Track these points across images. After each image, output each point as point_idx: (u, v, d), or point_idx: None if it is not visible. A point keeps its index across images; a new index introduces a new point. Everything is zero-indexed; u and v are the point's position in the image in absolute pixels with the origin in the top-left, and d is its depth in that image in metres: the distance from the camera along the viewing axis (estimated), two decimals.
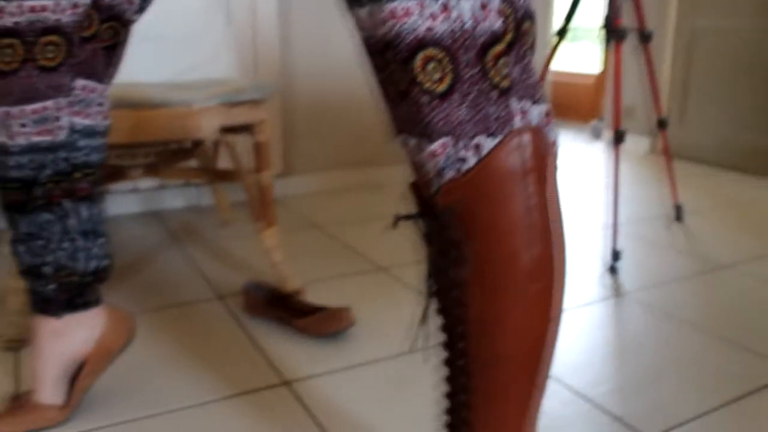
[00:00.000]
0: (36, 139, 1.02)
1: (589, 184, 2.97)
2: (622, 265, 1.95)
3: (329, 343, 1.45)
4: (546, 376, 0.75)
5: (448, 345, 0.75)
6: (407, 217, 0.71)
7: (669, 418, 1.19)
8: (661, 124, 2.26)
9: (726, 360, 1.40)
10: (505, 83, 0.64)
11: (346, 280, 1.81)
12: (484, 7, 0.62)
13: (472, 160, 0.64)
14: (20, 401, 1.14)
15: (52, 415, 1.14)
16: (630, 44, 3.65)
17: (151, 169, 1.81)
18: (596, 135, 4.16)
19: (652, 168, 3.33)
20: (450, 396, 0.77)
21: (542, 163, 0.67)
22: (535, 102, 0.66)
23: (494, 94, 0.63)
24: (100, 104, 1.09)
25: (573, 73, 4.83)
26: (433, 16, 0.61)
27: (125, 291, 1.73)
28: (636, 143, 3.74)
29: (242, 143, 2.55)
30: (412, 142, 0.67)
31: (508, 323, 0.69)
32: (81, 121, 1.06)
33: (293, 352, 1.41)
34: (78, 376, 1.16)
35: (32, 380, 1.14)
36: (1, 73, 0.97)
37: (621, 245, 2.13)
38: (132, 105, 1.47)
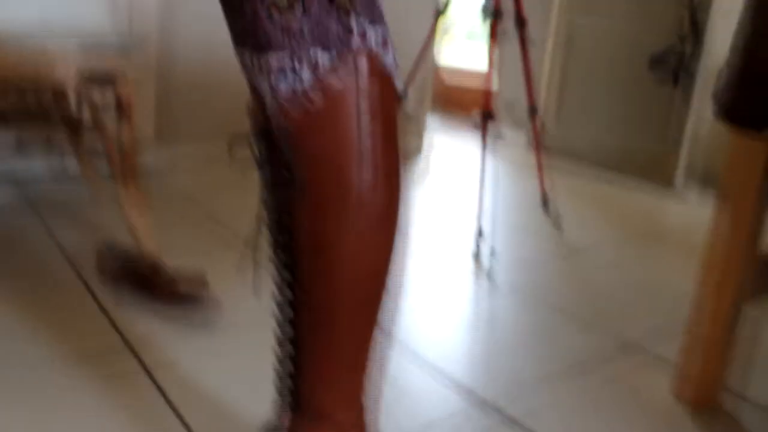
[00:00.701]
0: None
1: (466, 172, 3.04)
2: (491, 248, 2.01)
3: (186, 322, 1.40)
4: (385, 330, 0.74)
5: (283, 284, 0.73)
6: (242, 140, 0.69)
7: (511, 389, 1.23)
8: (532, 111, 2.34)
9: (570, 336, 1.47)
10: (346, 1, 0.63)
11: (212, 255, 1.76)
12: None
13: (307, 78, 0.63)
14: None
15: None
16: (515, 42, 3.77)
17: (2, 119, 1.68)
18: (477, 126, 4.27)
19: (527, 159, 3.46)
20: (283, 343, 0.76)
21: (379, 89, 0.66)
22: (372, 22, 0.65)
23: (334, 9, 0.62)
24: None
25: (462, 69, 4.95)
26: None
27: None
28: (516, 137, 3.87)
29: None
30: (249, 55, 0.65)
31: (340, 253, 0.68)
32: None
33: (143, 320, 1.35)
34: None
35: None
36: None
37: (490, 230, 2.19)
38: None
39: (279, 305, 0.75)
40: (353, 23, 0.63)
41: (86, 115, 1.92)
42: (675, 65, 3.10)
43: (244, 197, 2.26)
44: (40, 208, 1.94)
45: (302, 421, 0.76)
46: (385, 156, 0.67)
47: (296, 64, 0.62)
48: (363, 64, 0.64)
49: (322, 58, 0.62)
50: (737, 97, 0.97)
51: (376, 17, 0.66)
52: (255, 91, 0.67)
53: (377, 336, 0.74)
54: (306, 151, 0.65)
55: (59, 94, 1.87)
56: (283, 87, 0.63)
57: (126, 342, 1.24)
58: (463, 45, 5.83)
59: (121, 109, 1.56)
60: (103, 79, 1.58)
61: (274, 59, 0.63)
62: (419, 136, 3.40)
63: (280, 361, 0.77)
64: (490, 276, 1.76)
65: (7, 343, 1.19)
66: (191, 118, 2.65)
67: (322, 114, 0.64)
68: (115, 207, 2.02)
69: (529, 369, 1.30)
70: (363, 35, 0.64)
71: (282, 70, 0.63)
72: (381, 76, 0.66)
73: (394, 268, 0.72)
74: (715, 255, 1.17)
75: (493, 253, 1.94)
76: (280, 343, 0.76)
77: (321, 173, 0.65)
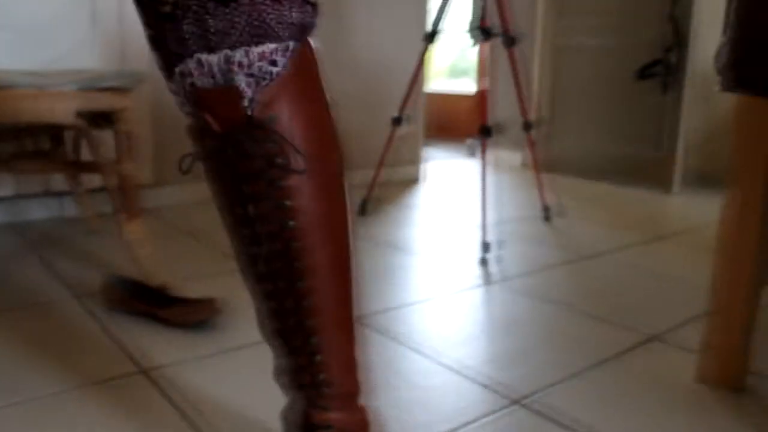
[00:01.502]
0: None
1: (465, 193, 3.05)
2: (497, 257, 2.00)
3: (192, 332, 1.39)
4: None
5: (280, 293, 0.74)
6: (198, 155, 0.70)
7: (534, 383, 1.21)
8: (527, 127, 2.36)
9: (589, 332, 1.45)
10: None
11: (217, 278, 1.75)
12: None
13: (281, 64, 0.65)
14: None
15: None
16: (506, 61, 3.81)
17: (1, 162, 1.68)
18: (471, 153, 4.30)
19: (524, 178, 3.48)
20: (300, 347, 0.76)
21: (320, 68, 0.71)
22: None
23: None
24: None
25: (451, 93, 5.00)
26: None
27: None
28: (509, 157, 3.89)
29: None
30: (219, 58, 0.63)
31: (333, 224, 0.71)
32: None
33: (153, 342, 1.33)
34: None
35: None
36: None
37: (494, 241, 2.18)
38: None
39: (282, 315, 0.74)
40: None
41: (84, 154, 1.93)
42: (663, 75, 3.15)
43: None
44: (40, 248, 1.93)
45: (336, 409, 0.77)
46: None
47: (276, 54, 0.66)
48: (316, 44, 0.70)
49: (294, 44, 0.67)
50: (744, 62, 0.98)
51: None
52: (220, 94, 0.66)
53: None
54: (295, 134, 0.67)
55: (57, 135, 1.88)
56: (263, 78, 0.65)
57: (135, 363, 1.22)
58: (449, 82, 5.89)
59: (120, 144, 1.56)
60: (103, 117, 1.59)
61: (268, 49, 0.65)
62: (416, 163, 3.41)
63: (298, 362, 0.77)
64: (501, 284, 1.74)
65: (16, 375, 1.17)
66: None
67: (301, 94, 0.68)
68: (117, 241, 2.01)
69: (551, 365, 1.28)
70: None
71: (265, 61, 0.65)
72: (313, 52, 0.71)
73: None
74: (729, 238, 1.17)
75: (500, 260, 1.93)
76: (294, 349, 0.76)
77: (312, 152, 0.68)
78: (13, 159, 1.70)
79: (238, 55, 0.63)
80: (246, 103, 0.64)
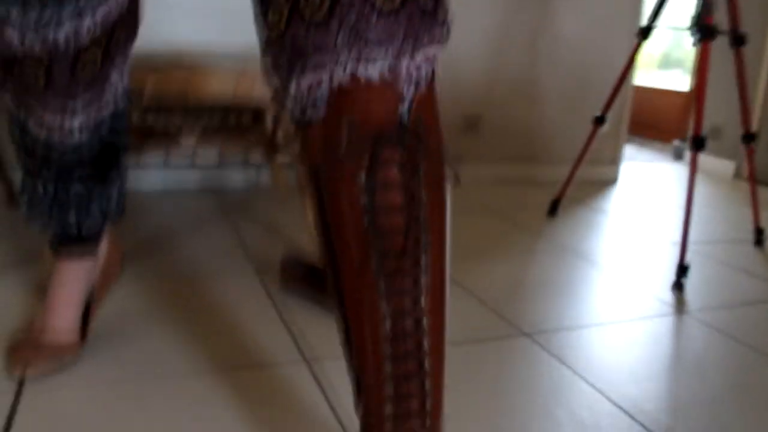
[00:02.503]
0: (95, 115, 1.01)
1: (665, 203, 2.80)
2: (689, 283, 1.80)
3: None
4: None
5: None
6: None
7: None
8: (747, 139, 2.09)
9: None
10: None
11: None
12: None
13: (427, 70, 0.65)
14: (35, 342, 1.12)
15: (72, 351, 1.13)
16: (725, 59, 3.43)
17: (205, 136, 1.79)
18: (678, 156, 3.94)
19: (735, 192, 3.12)
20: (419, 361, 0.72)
21: None
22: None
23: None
24: None
25: (661, 89, 4.62)
26: None
27: (164, 259, 1.71)
28: (721, 166, 3.52)
29: None
30: (389, 61, 0.63)
31: (441, 230, 0.70)
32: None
33: (318, 331, 1.35)
34: (88, 311, 1.17)
35: (46, 320, 1.12)
36: None
37: (691, 264, 1.97)
38: (183, 66, 1.45)
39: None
40: None
41: (280, 132, 2.01)
42: None
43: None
44: (233, 214, 2.05)
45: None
46: None
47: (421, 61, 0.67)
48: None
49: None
50: None
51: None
52: (377, 96, 0.65)
53: None
54: (430, 140, 0.67)
55: (258, 113, 1.97)
56: (421, 81, 0.66)
57: (299, 349, 1.24)
58: (660, 75, 5.44)
59: None
60: None
61: (429, 54, 0.66)
62: (614, 163, 3.20)
63: (419, 378, 0.73)
64: (691, 315, 1.56)
65: (176, 347, 1.24)
66: None
67: (437, 99, 0.68)
68: (302, 218, 2.08)
69: (741, 420, 1.11)
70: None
71: (423, 66, 0.66)
72: None
73: None
74: None
75: (692, 289, 1.74)
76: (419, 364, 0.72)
77: (439, 158, 0.68)
78: (216, 133, 1.81)
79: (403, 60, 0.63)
80: (402, 106, 0.64)
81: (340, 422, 1.04)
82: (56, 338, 1.12)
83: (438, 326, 0.71)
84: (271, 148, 1.73)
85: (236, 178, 2.50)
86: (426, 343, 0.69)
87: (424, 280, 0.68)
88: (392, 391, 0.71)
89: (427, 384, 0.71)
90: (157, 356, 1.20)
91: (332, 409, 1.07)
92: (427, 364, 0.70)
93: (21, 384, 1.07)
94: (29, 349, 1.10)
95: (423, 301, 0.68)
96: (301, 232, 1.98)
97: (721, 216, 2.62)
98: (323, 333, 1.34)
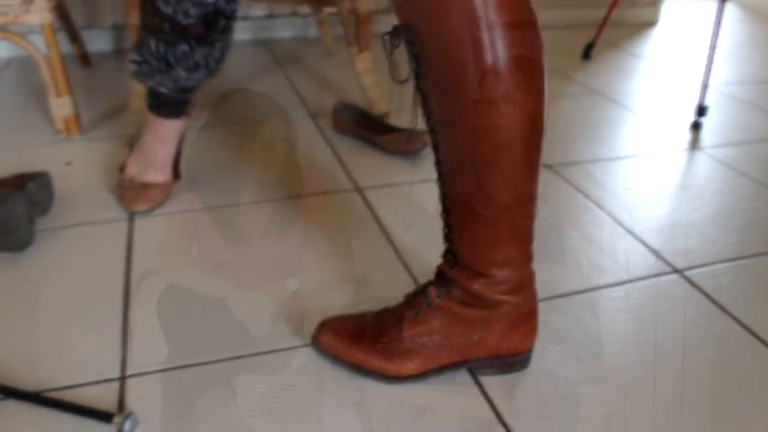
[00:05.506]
0: None
1: (704, 44, 2.84)
2: (709, 122, 1.93)
3: (402, 160, 1.60)
4: (504, 207, 0.81)
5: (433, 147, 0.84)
6: (389, 35, 0.77)
7: (699, 257, 1.27)
8: None
9: None
10: None
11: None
12: None
13: None
14: (134, 183, 1.36)
15: (168, 189, 1.38)
16: None
17: None
18: None
19: None
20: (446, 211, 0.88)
21: None
22: None
23: None
24: None
25: None
26: None
27: (227, 108, 1.92)
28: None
29: None
30: None
31: (459, 132, 0.76)
32: None
33: (368, 165, 1.57)
34: (179, 155, 1.40)
35: (144, 165, 1.36)
36: None
37: (716, 105, 2.09)
38: None
39: (437, 168, 0.85)
40: None
41: None
42: None
43: None
44: (284, 65, 2.23)
45: (462, 274, 0.88)
46: (504, 47, 0.70)
47: None
48: None
49: None
50: None
51: None
52: None
53: (522, 204, 0.82)
54: (426, 42, 0.72)
55: None
56: None
57: (352, 180, 1.46)
58: None
59: None
60: None
61: None
62: (655, 3, 3.19)
63: (444, 221, 0.89)
64: (704, 151, 1.72)
65: (255, 174, 1.47)
66: None
67: (433, 5, 0.70)
68: (349, 68, 2.25)
69: (722, 244, 1.31)
70: None
71: None
72: None
73: (508, 154, 0.77)
74: None
75: (710, 128, 1.87)
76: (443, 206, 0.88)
77: (441, 60, 0.72)
78: None
79: None
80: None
81: (387, 235, 1.28)
82: (158, 179, 1.36)
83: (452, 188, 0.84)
84: (314, 2, 1.86)
85: (285, 29, 2.64)
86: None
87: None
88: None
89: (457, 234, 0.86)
90: (234, 188, 1.44)
91: (379, 224, 1.31)
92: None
93: (132, 215, 1.34)
94: (136, 189, 1.34)
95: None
96: (350, 81, 2.15)
97: (759, 56, 2.66)
98: (373, 166, 1.55)
